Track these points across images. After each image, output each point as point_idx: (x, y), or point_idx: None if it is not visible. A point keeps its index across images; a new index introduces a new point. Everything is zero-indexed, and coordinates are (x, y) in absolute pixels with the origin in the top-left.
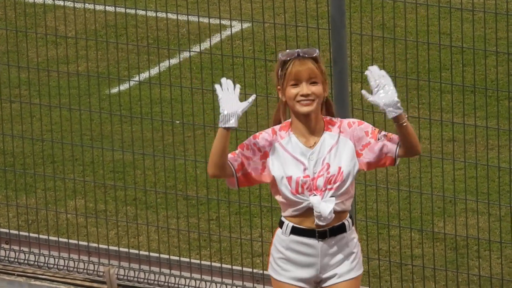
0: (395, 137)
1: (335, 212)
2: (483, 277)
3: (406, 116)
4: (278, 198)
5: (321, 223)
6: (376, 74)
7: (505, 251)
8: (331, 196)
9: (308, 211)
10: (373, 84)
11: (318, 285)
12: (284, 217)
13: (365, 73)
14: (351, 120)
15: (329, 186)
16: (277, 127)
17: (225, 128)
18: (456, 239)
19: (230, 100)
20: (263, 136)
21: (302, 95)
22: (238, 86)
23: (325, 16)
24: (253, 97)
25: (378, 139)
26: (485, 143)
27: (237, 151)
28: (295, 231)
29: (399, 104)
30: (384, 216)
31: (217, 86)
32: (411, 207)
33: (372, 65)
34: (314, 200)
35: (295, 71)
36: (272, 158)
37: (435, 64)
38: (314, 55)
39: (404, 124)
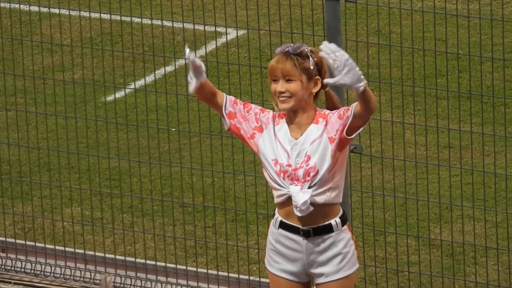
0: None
1: (317, 205)
2: (480, 284)
3: (367, 82)
4: (267, 177)
5: (298, 214)
6: (330, 52)
7: (501, 257)
8: (309, 188)
9: (291, 202)
10: (332, 63)
11: (311, 278)
12: (276, 206)
13: (320, 54)
14: (341, 108)
15: (307, 178)
16: (277, 113)
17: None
18: (453, 245)
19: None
20: (266, 114)
21: (277, 92)
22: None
23: (320, 23)
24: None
25: (346, 111)
26: (481, 150)
27: (239, 103)
28: (282, 225)
29: (362, 76)
30: (380, 222)
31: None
32: (408, 214)
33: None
34: (293, 190)
35: (270, 68)
36: (264, 137)
37: (431, 71)
38: (298, 52)
39: (365, 90)
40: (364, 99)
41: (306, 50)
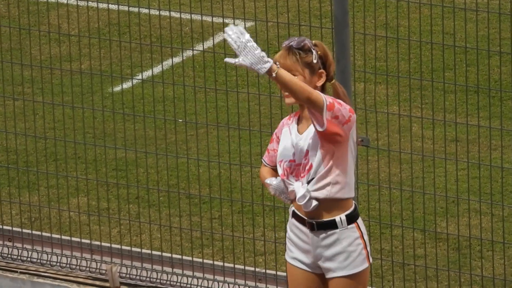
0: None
1: (321, 200)
2: (486, 278)
3: (278, 65)
4: None
5: (304, 209)
6: (234, 36)
7: (507, 251)
8: (307, 182)
9: None
10: (235, 46)
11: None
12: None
13: (224, 37)
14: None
15: (305, 173)
16: (294, 113)
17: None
18: (459, 239)
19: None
20: (281, 123)
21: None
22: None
23: (328, 16)
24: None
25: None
26: (488, 144)
27: (270, 150)
28: (294, 215)
29: (265, 58)
30: (386, 216)
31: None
32: (414, 207)
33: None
34: (296, 185)
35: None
36: (279, 144)
37: (439, 64)
38: (300, 46)
39: (275, 75)
40: (279, 84)
41: (308, 44)
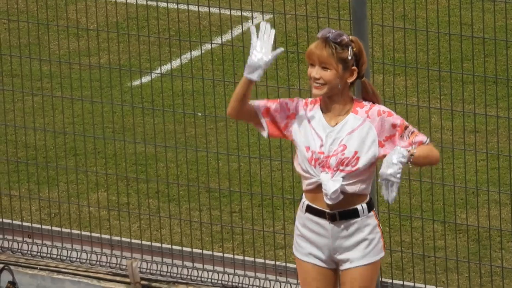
0: (418, 140)
1: (346, 193)
2: (506, 269)
3: (411, 151)
4: (297, 166)
5: (328, 202)
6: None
7: None
8: (342, 177)
9: (320, 189)
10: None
11: (338, 266)
12: (303, 192)
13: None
14: (382, 108)
15: (341, 168)
16: (310, 99)
17: (247, 78)
18: (479, 230)
19: (264, 49)
20: (296, 102)
21: (312, 77)
22: (273, 31)
23: (346, 7)
24: (280, 50)
25: (402, 136)
26: (507, 134)
27: (266, 100)
28: (309, 209)
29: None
30: (406, 207)
31: (253, 30)
32: (434, 199)
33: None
34: (324, 177)
35: (308, 52)
36: (297, 124)
37: (457, 55)
38: (338, 40)
39: (414, 162)
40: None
41: (346, 39)
